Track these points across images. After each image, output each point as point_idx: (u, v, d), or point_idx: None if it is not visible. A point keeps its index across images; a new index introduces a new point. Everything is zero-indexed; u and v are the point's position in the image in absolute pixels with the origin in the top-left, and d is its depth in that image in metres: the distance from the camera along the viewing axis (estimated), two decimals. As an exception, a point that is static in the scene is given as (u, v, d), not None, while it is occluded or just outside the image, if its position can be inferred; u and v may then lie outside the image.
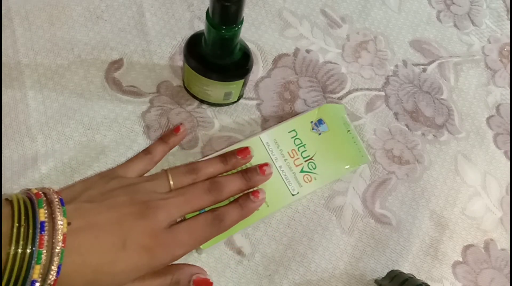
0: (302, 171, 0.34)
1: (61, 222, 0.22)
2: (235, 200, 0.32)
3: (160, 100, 0.37)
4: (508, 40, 0.47)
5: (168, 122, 0.37)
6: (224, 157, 0.33)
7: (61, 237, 0.22)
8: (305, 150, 0.34)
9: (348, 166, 0.35)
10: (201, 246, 0.30)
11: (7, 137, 0.34)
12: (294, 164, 0.34)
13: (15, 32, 0.37)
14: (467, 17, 0.47)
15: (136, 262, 0.26)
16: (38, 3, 0.39)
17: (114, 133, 0.36)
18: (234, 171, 0.33)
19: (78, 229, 0.24)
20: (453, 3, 0.48)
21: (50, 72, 0.37)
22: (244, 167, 0.33)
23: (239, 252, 0.34)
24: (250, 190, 0.33)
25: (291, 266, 0.35)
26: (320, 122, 0.35)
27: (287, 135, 0.35)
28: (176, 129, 0.35)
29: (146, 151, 0.34)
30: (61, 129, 0.35)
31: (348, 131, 0.36)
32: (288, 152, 0.34)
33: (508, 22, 0.48)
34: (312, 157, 0.34)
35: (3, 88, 0.36)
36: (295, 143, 0.34)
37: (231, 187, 0.31)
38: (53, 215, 0.23)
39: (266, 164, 0.33)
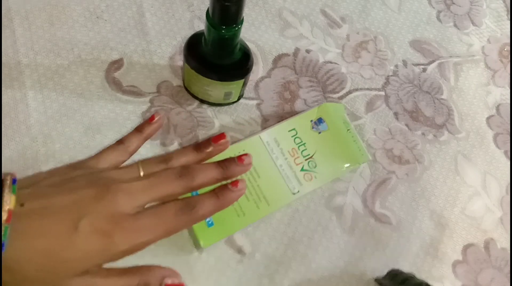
0: (302, 169, 0.34)
1: (7, 199, 0.22)
2: (212, 190, 0.30)
3: (160, 100, 0.37)
4: (508, 40, 0.47)
5: (168, 121, 0.37)
6: (198, 145, 0.31)
7: (6, 213, 0.21)
8: (305, 149, 0.34)
9: (348, 165, 0.35)
10: (201, 244, 0.30)
11: (7, 137, 0.34)
12: (295, 162, 0.34)
13: (15, 32, 0.38)
14: (467, 17, 0.47)
15: (90, 247, 0.24)
16: (38, 3, 0.39)
17: (114, 133, 0.36)
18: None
19: (30, 211, 0.23)
20: (453, 3, 0.48)
21: (50, 72, 0.37)
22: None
23: (240, 251, 0.34)
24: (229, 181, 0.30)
25: (292, 266, 0.35)
26: (320, 121, 0.35)
27: (287, 134, 0.35)
28: (150, 118, 0.33)
29: (119, 142, 0.32)
30: (61, 129, 0.35)
31: (348, 130, 0.36)
32: (288, 151, 0.34)
33: (508, 22, 0.48)
34: (312, 155, 0.34)
35: (3, 88, 0.36)
36: (295, 142, 0.34)
37: (205, 175, 0.29)
38: (2, 193, 0.22)
39: (245, 154, 0.31)
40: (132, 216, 0.25)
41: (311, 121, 0.35)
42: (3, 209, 0.21)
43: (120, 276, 0.26)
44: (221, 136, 0.32)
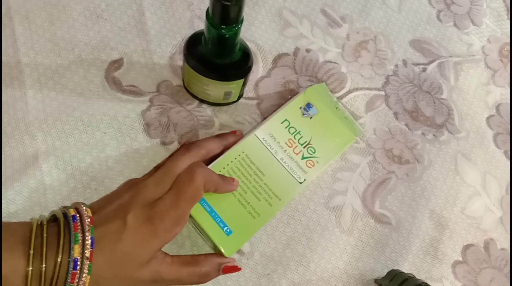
0: (303, 158, 0.34)
1: (89, 242, 0.25)
2: (216, 136, 0.35)
3: (160, 99, 0.37)
4: (508, 40, 0.47)
5: (168, 120, 0.37)
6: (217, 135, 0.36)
7: (88, 252, 0.25)
8: (301, 137, 0.35)
9: (345, 141, 0.36)
10: (225, 254, 0.31)
11: (7, 135, 0.34)
12: (294, 152, 0.34)
13: (15, 31, 0.38)
14: (467, 16, 0.47)
15: (142, 235, 0.27)
16: (38, 2, 0.39)
17: (114, 130, 0.36)
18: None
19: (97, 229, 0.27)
20: (453, 3, 0.48)
21: (50, 72, 0.37)
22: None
23: (238, 250, 0.34)
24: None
25: (290, 266, 0.35)
26: (308, 106, 0.36)
27: (281, 126, 0.35)
28: (233, 131, 0.36)
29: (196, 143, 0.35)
30: (61, 126, 0.35)
31: (337, 108, 0.37)
32: (285, 143, 0.35)
33: (508, 21, 0.48)
34: (309, 142, 0.35)
35: (3, 87, 0.36)
36: (290, 132, 0.35)
37: (208, 143, 0.33)
38: (85, 238, 0.25)
39: (236, 131, 0.36)
40: (161, 199, 0.28)
41: (300, 108, 0.36)
42: (86, 248, 0.25)
43: (182, 266, 0.29)
44: (234, 132, 0.37)
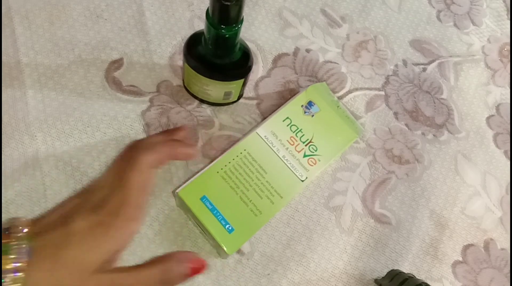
0: (305, 155, 0.34)
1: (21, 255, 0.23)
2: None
3: (160, 99, 0.37)
4: (508, 40, 0.47)
5: (168, 120, 0.37)
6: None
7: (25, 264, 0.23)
8: (303, 135, 0.35)
9: (346, 140, 0.36)
10: (227, 252, 0.31)
11: (7, 135, 0.34)
12: (296, 150, 0.34)
13: (15, 31, 0.38)
14: (467, 16, 0.47)
15: (89, 241, 0.24)
16: (38, 2, 0.39)
17: (114, 131, 0.36)
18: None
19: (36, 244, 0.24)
20: (453, 3, 0.48)
21: (50, 72, 0.37)
22: None
23: (238, 250, 0.34)
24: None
25: (290, 266, 0.35)
26: (310, 104, 0.36)
27: (282, 124, 0.35)
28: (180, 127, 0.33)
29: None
30: (61, 126, 0.35)
31: (338, 106, 0.37)
32: (287, 141, 0.35)
33: (508, 21, 0.48)
34: (311, 140, 0.35)
35: (3, 87, 0.36)
36: (291, 130, 0.35)
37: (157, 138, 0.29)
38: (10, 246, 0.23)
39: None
40: (107, 197, 0.25)
41: (302, 106, 0.36)
42: (19, 259, 0.22)
43: (139, 270, 0.25)
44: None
